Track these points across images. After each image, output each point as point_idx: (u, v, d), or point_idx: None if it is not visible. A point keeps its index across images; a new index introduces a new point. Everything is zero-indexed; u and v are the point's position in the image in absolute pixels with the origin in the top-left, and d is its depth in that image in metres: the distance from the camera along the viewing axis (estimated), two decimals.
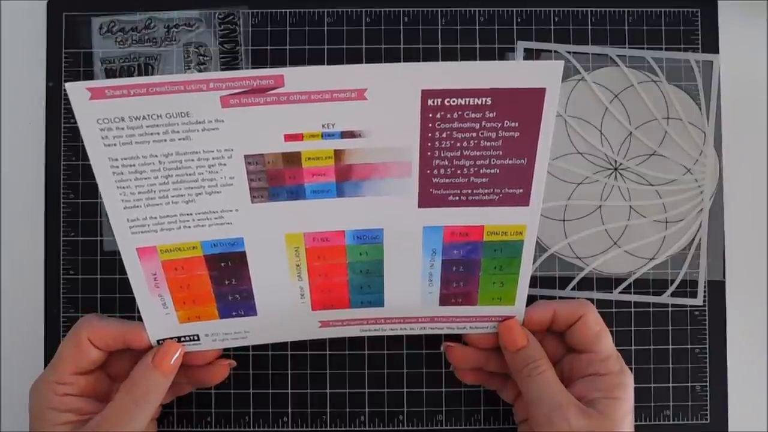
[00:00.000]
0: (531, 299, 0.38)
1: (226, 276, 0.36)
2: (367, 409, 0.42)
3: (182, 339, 0.37)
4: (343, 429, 0.42)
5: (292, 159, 0.34)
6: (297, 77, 0.31)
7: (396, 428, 0.42)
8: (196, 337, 0.38)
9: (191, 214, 0.34)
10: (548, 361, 0.37)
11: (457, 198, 0.35)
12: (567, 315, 0.37)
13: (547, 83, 0.32)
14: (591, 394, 0.35)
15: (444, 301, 0.38)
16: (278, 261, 0.36)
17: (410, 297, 0.38)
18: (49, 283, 0.42)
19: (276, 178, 0.34)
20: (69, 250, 0.42)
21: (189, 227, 0.35)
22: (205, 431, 0.42)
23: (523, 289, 0.37)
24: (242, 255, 0.36)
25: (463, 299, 0.38)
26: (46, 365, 0.37)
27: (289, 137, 0.33)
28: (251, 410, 0.42)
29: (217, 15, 0.42)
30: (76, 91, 0.31)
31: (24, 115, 0.42)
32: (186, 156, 0.33)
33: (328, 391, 0.42)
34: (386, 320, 0.39)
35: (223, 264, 0.36)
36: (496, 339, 0.38)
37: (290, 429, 0.42)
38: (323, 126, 0.33)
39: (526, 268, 0.37)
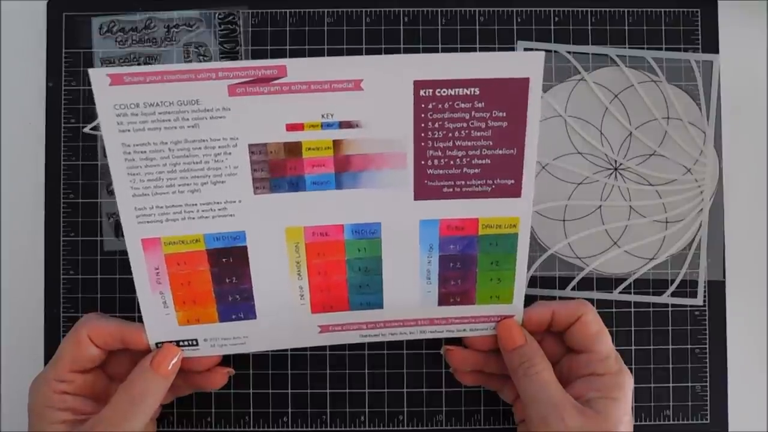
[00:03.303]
0: (531, 299, 0.38)
1: (227, 273, 0.37)
2: (367, 409, 0.42)
3: (181, 343, 0.37)
4: (343, 429, 0.42)
5: (293, 149, 0.34)
6: (298, 67, 0.33)
7: (396, 428, 0.42)
8: (194, 342, 0.38)
9: (195, 205, 0.35)
10: (546, 360, 0.37)
11: (451, 189, 0.35)
12: (566, 315, 0.37)
13: (530, 73, 0.33)
14: (589, 393, 0.35)
15: (443, 300, 0.38)
16: (279, 258, 0.36)
17: (409, 297, 0.38)
18: (49, 283, 0.42)
19: (278, 169, 0.35)
20: (69, 250, 0.42)
21: (193, 218, 0.35)
22: (205, 431, 0.42)
23: (520, 287, 0.37)
24: (243, 250, 0.36)
25: (461, 298, 0.38)
26: (46, 365, 0.37)
27: (291, 127, 0.34)
28: (251, 410, 0.42)
29: (217, 15, 0.42)
30: (97, 77, 0.32)
31: (24, 115, 0.42)
32: (194, 144, 0.34)
33: (328, 391, 0.42)
34: (386, 324, 0.39)
35: (224, 260, 0.36)
36: (495, 341, 0.38)
37: (290, 429, 0.42)
38: (322, 116, 0.34)
39: (522, 263, 0.37)
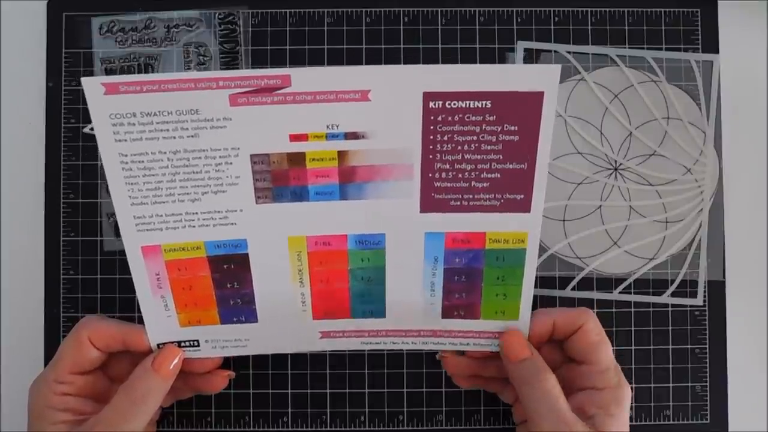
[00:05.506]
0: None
1: (228, 279, 0.36)
2: (367, 409, 0.42)
3: (182, 344, 0.37)
4: (343, 429, 0.42)
5: (297, 159, 0.34)
6: (303, 77, 0.32)
7: (396, 428, 0.42)
8: (196, 343, 0.38)
9: (196, 213, 0.35)
10: (550, 372, 0.36)
11: (458, 203, 0.35)
12: (567, 324, 0.36)
13: (545, 87, 0.32)
14: (589, 409, 0.35)
15: (446, 313, 0.37)
16: (280, 265, 0.36)
17: (412, 308, 0.37)
18: (49, 283, 0.42)
19: (280, 179, 0.34)
20: (69, 250, 0.42)
21: (194, 227, 0.35)
22: (205, 431, 0.42)
23: (526, 303, 0.37)
24: (245, 257, 0.36)
25: (465, 312, 0.37)
26: (46, 365, 0.37)
27: (294, 137, 0.33)
28: (251, 410, 0.42)
29: (217, 15, 0.42)
30: (91, 86, 0.31)
31: (24, 115, 0.42)
32: (194, 154, 0.33)
33: (328, 391, 0.42)
34: (387, 333, 0.39)
35: (225, 266, 0.36)
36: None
37: (290, 429, 0.42)
38: (328, 127, 0.33)
39: (529, 279, 0.36)
